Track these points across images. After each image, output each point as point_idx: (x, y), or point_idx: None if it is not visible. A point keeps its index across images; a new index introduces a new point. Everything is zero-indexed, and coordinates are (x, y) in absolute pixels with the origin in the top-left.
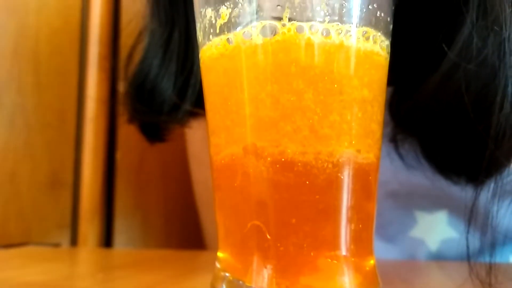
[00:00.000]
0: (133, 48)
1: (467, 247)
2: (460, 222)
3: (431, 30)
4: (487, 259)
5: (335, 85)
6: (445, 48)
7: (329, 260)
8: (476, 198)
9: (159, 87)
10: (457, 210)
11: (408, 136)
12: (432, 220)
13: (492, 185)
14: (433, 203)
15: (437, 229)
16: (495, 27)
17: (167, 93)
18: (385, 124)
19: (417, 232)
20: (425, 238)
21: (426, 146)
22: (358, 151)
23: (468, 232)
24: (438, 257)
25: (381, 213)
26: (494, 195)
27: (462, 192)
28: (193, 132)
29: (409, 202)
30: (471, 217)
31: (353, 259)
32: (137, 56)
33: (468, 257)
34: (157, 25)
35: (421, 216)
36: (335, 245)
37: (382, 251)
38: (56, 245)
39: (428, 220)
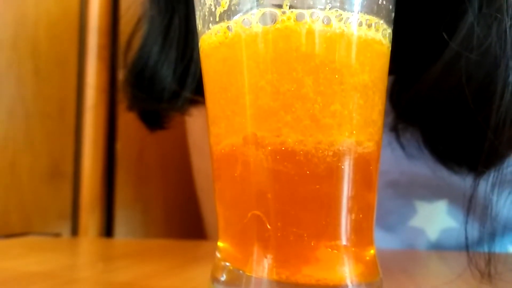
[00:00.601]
0: (132, 35)
1: (466, 237)
2: (460, 212)
3: (433, 19)
4: (486, 249)
5: (336, 74)
6: (446, 38)
7: (330, 250)
8: (475, 188)
9: (159, 74)
10: (457, 200)
11: (409, 126)
12: (432, 209)
13: (491, 175)
14: (433, 192)
15: (437, 219)
16: (499, 15)
17: (167, 81)
18: (386, 113)
19: (416, 221)
20: (425, 227)
21: (427, 135)
22: (359, 140)
23: (466, 222)
24: (438, 247)
25: (381, 202)
26: (493, 185)
27: (462, 182)
28: (193, 120)
29: (410, 192)
30: (470, 207)
31: (353, 249)
32: (136, 43)
33: (467, 247)
34: (156, 12)
35: (421, 205)
36: (336, 235)
37: (382, 241)
38: (57, 235)
39: (428, 210)
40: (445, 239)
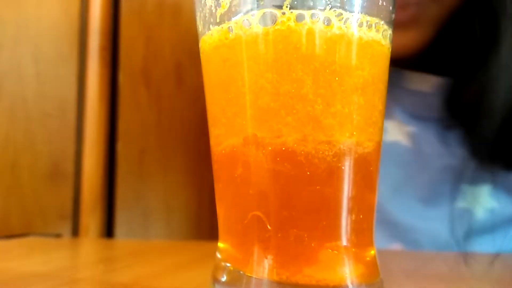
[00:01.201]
0: None
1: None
2: (502, 194)
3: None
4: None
5: (336, 75)
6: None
7: (330, 250)
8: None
9: None
10: (500, 184)
11: (458, 125)
12: (477, 192)
13: None
14: (479, 177)
15: (481, 201)
16: None
17: None
18: (438, 111)
19: (464, 203)
20: (471, 208)
21: (471, 135)
22: (360, 141)
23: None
24: (483, 226)
25: (434, 186)
26: None
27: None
28: None
29: (459, 176)
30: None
31: (353, 249)
32: None
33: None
34: None
35: (468, 188)
36: (336, 236)
37: (431, 222)
38: (57, 235)
39: (473, 192)
40: (489, 218)
